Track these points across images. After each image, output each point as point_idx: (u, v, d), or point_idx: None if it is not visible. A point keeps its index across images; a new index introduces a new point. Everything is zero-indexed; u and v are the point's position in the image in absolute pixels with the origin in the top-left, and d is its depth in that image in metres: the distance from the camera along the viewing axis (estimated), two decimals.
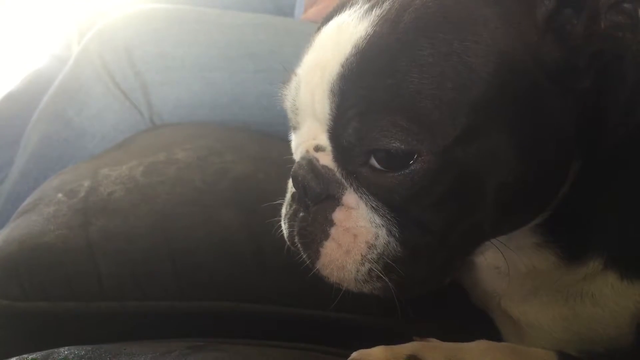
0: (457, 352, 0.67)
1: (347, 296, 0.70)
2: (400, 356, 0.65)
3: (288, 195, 0.73)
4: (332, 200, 0.67)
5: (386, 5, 0.64)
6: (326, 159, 0.67)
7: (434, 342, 0.69)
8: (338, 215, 0.66)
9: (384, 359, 0.64)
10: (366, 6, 0.66)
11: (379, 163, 0.63)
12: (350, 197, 0.66)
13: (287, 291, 0.87)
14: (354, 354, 0.65)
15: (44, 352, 0.70)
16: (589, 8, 0.62)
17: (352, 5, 0.68)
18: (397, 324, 0.81)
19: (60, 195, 1.00)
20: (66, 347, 0.71)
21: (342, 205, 0.66)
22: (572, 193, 0.70)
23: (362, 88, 0.62)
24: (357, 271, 0.66)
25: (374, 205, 0.65)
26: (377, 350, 0.65)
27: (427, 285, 0.69)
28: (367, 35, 0.63)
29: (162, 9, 1.39)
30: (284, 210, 0.74)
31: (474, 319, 0.84)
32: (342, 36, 0.65)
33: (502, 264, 0.75)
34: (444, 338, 0.70)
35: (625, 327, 0.72)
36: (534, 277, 0.75)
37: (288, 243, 0.73)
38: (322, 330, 0.86)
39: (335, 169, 0.66)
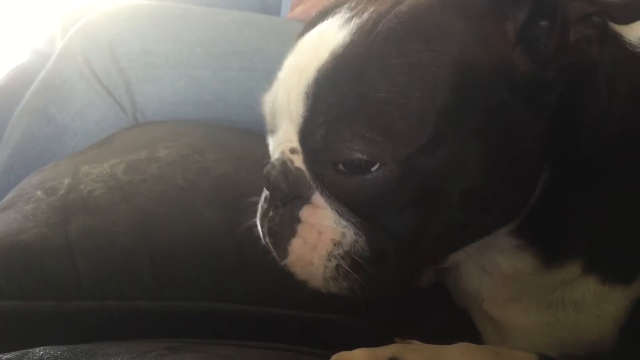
0: (438, 354, 0.66)
1: (328, 297, 0.70)
2: (381, 358, 0.65)
3: (262, 196, 0.74)
4: (301, 199, 0.67)
5: (365, 16, 0.66)
6: (299, 161, 0.68)
7: (415, 344, 0.69)
8: (305, 212, 0.67)
9: None
10: (347, 15, 0.67)
11: (344, 167, 0.64)
12: (318, 199, 0.67)
13: (267, 291, 0.86)
14: (335, 356, 0.65)
15: (18, 352, 0.69)
16: (560, 21, 0.62)
17: (335, 13, 0.69)
18: (378, 325, 0.81)
19: (39, 192, 0.98)
20: (41, 347, 0.70)
21: (310, 203, 0.67)
22: (545, 198, 0.70)
23: (333, 94, 0.63)
24: (325, 267, 0.67)
25: (339, 210, 0.66)
26: (358, 353, 0.65)
27: (394, 288, 0.70)
28: (344, 43, 0.64)
29: (147, 5, 1.38)
30: (258, 210, 0.74)
31: (456, 320, 0.83)
32: (321, 43, 0.66)
33: (486, 266, 0.76)
34: (425, 340, 0.69)
35: (607, 331, 0.72)
36: (517, 280, 0.75)
37: (262, 242, 0.73)
38: (302, 330, 0.85)
39: (305, 171, 0.67)
